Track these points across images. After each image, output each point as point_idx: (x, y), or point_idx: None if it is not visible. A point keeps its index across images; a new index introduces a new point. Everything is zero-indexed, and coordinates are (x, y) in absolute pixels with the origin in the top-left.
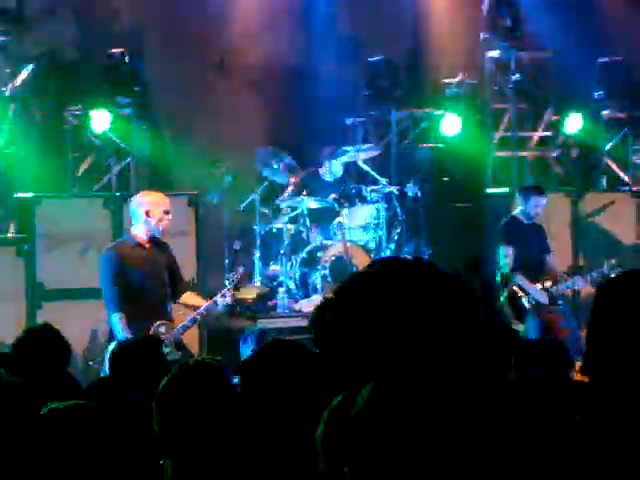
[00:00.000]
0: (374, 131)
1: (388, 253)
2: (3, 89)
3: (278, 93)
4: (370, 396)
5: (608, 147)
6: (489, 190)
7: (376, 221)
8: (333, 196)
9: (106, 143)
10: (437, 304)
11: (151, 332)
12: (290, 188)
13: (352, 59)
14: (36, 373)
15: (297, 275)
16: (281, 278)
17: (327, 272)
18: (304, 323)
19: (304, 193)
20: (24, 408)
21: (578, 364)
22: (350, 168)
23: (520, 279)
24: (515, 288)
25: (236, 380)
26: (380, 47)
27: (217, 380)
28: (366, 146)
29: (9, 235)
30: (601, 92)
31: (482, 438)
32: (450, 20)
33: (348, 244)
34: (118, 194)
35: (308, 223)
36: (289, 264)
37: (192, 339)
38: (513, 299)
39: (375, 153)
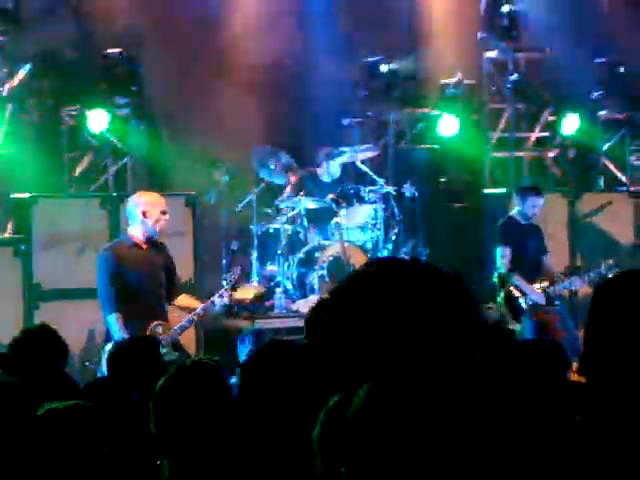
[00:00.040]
0: (372, 131)
1: (385, 253)
2: (0, 89)
3: (276, 93)
4: (367, 396)
5: (605, 147)
6: (486, 190)
7: (374, 221)
8: (331, 196)
9: (103, 143)
10: (435, 304)
11: (148, 332)
12: (288, 188)
13: (349, 59)
14: (33, 373)
15: (294, 275)
16: (278, 278)
17: (325, 272)
18: (301, 323)
19: (302, 193)
20: (21, 409)
21: (575, 365)
22: (348, 168)
23: (517, 280)
24: (512, 289)
25: (233, 380)
26: (378, 47)
27: (214, 381)
28: (364, 146)
29: (6, 235)
30: (598, 93)
31: (480, 438)
32: (447, 20)
33: (346, 244)
34: (115, 194)
35: (306, 223)
36: (286, 264)
37: (189, 339)
38: (510, 300)
39: (373, 153)
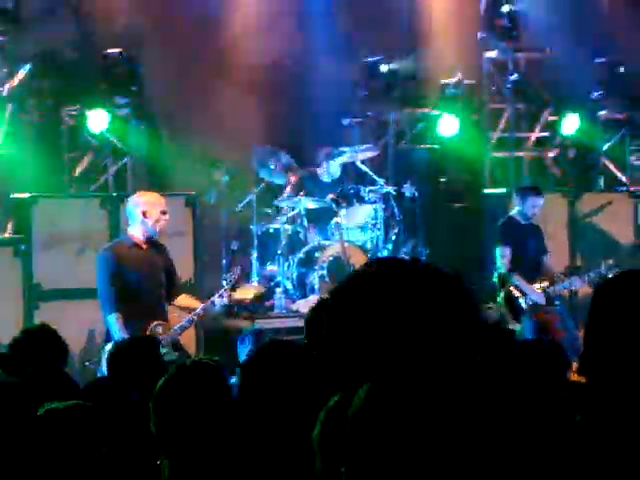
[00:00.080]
0: (372, 131)
1: (385, 253)
2: (0, 89)
3: (276, 93)
4: (367, 396)
5: (605, 147)
6: (487, 190)
7: (374, 221)
8: (331, 196)
9: (103, 143)
10: (434, 304)
11: (148, 333)
12: (288, 188)
13: (349, 59)
14: (33, 373)
15: (294, 275)
16: (278, 278)
17: (325, 272)
18: (301, 323)
19: (301, 193)
20: (21, 409)
21: (575, 365)
22: (348, 168)
23: (517, 280)
24: (512, 289)
25: (233, 380)
26: (378, 47)
27: (214, 381)
28: (364, 147)
29: (6, 235)
30: (598, 93)
31: (479, 438)
32: (447, 20)
33: (346, 244)
34: (115, 194)
35: (306, 223)
36: (286, 264)
37: (189, 339)
38: (510, 300)
39: (373, 154)
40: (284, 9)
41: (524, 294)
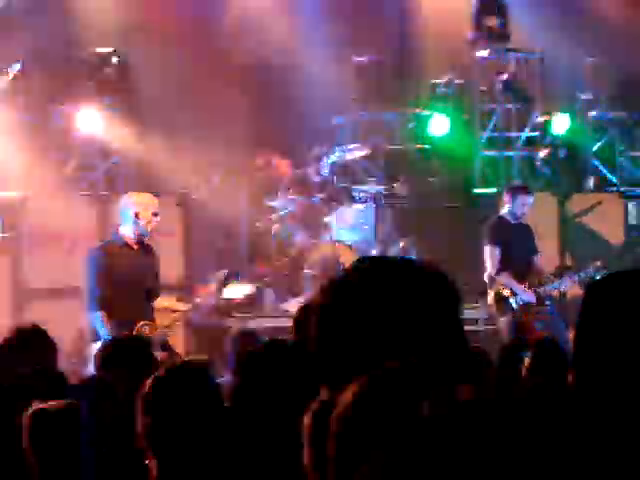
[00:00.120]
0: (363, 131)
1: (375, 253)
2: None
3: (266, 93)
4: (354, 395)
5: (596, 148)
6: (477, 190)
7: (364, 221)
8: (321, 196)
9: (93, 142)
10: (424, 303)
11: (135, 332)
12: (278, 188)
13: (340, 59)
14: (23, 372)
15: (285, 275)
16: (268, 278)
17: (315, 272)
18: (291, 323)
19: (292, 193)
20: (11, 408)
21: None
22: (338, 168)
23: (507, 279)
24: (502, 288)
25: (222, 380)
26: (369, 47)
27: (202, 381)
28: (354, 146)
29: None
30: (589, 93)
31: (470, 435)
32: (438, 20)
33: (336, 244)
34: (105, 193)
35: (296, 223)
36: (277, 264)
37: (178, 339)
38: (500, 299)
39: (363, 153)
40: (275, 9)
41: (514, 294)
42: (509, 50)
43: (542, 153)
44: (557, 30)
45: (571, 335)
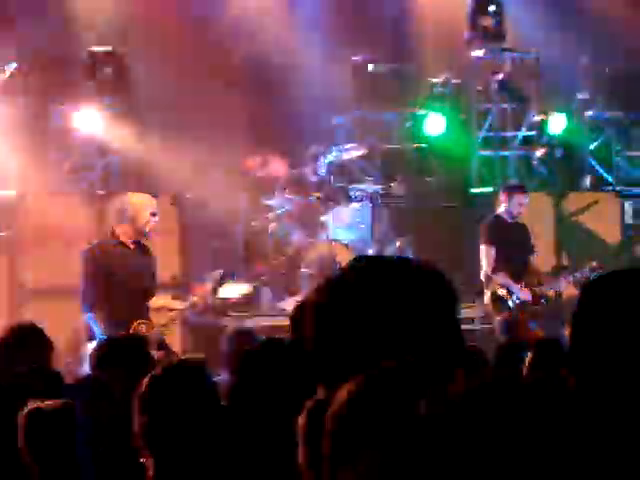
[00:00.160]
0: (359, 131)
1: (372, 252)
2: None
3: (264, 93)
4: (350, 394)
5: (592, 147)
6: (473, 189)
7: (360, 220)
8: (318, 195)
9: (91, 141)
10: (421, 303)
11: (131, 331)
12: (275, 187)
13: (338, 59)
14: (19, 371)
15: (281, 274)
16: (265, 277)
17: (311, 271)
18: (288, 322)
19: (289, 192)
20: (7, 406)
21: None
22: (335, 167)
23: (503, 279)
24: (498, 288)
25: (219, 378)
26: (366, 47)
27: (199, 380)
28: (351, 146)
29: None
30: (585, 92)
31: (467, 434)
32: (435, 19)
33: (333, 243)
34: (102, 192)
35: (292, 222)
36: (274, 263)
37: (174, 338)
38: (496, 299)
39: (360, 153)
40: (274, 9)
41: (510, 293)
42: (505, 50)
43: (538, 153)
44: (553, 30)
45: (567, 333)
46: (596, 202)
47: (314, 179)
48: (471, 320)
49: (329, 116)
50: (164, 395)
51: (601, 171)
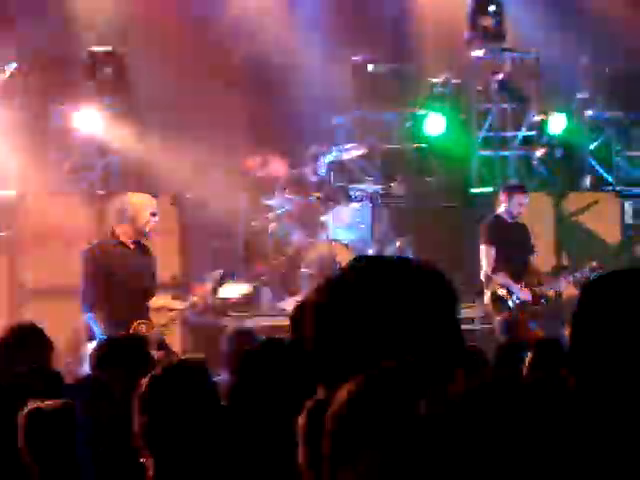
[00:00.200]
0: (359, 130)
1: (372, 252)
2: None
3: (264, 93)
4: (350, 394)
5: (592, 147)
6: (473, 189)
7: (360, 220)
8: (318, 195)
9: (91, 141)
10: (421, 303)
11: (131, 331)
12: (275, 187)
13: (338, 59)
14: (20, 371)
15: (281, 274)
16: (265, 277)
17: (311, 271)
18: (288, 322)
19: (289, 192)
20: (7, 407)
21: None
22: (335, 167)
23: (503, 279)
24: (498, 288)
25: (219, 378)
26: (366, 47)
27: (199, 379)
28: (351, 145)
29: None
30: (585, 92)
31: (467, 434)
32: (435, 19)
33: (333, 243)
34: (102, 192)
35: (293, 222)
36: (273, 263)
37: (174, 338)
38: (496, 299)
39: (360, 152)
40: (274, 9)
41: (510, 293)
42: (505, 50)
43: (538, 153)
44: (553, 30)
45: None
46: (596, 202)
47: (314, 179)
48: (471, 320)
49: (329, 116)
50: (164, 395)
51: (601, 171)
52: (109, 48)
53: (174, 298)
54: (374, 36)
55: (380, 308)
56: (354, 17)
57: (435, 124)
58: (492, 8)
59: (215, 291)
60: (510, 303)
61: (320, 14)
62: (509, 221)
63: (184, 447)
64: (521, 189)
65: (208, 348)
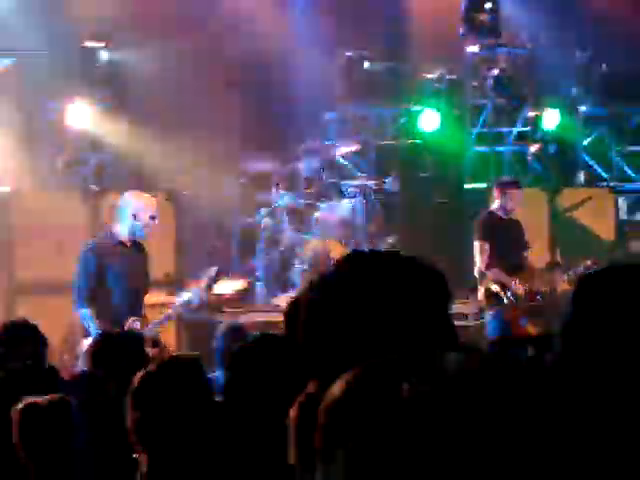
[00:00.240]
0: (353, 127)
1: (365, 248)
2: None
3: (258, 89)
4: (344, 387)
5: (586, 143)
6: (467, 185)
7: (354, 216)
8: (311, 191)
9: (84, 137)
10: (414, 299)
11: (126, 328)
12: (269, 183)
13: (331, 55)
14: (13, 367)
15: (275, 270)
16: (259, 273)
17: (305, 267)
18: (282, 318)
19: (282, 188)
20: (1, 403)
21: None
22: (328, 163)
23: (497, 274)
24: (491, 284)
25: (215, 374)
26: (361, 43)
27: (193, 376)
28: (345, 141)
29: None
30: (579, 88)
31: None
32: (430, 15)
33: (326, 239)
34: (96, 188)
35: (286, 218)
36: (267, 259)
37: (169, 335)
38: (490, 295)
39: (354, 148)
40: (270, 7)
41: (504, 289)
42: (499, 45)
43: (533, 148)
44: (547, 25)
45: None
46: (590, 198)
47: (307, 175)
48: (465, 316)
49: (323, 112)
50: (157, 391)
51: (595, 167)
52: (103, 44)
53: (168, 295)
54: (369, 32)
55: (373, 304)
56: (349, 14)
57: (430, 120)
58: (487, 4)
59: (210, 287)
60: (504, 299)
61: (315, 11)
62: (503, 217)
63: (177, 443)
64: (515, 185)
65: (203, 344)
